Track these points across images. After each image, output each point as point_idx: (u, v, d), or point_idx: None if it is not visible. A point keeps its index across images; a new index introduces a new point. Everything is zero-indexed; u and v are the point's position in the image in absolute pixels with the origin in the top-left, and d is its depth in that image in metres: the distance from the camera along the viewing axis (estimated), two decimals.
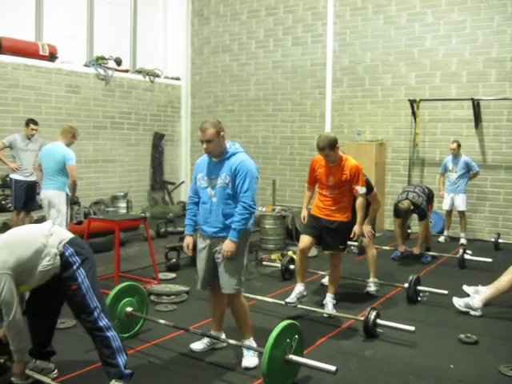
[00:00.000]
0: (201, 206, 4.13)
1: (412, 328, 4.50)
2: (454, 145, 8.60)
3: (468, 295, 5.41)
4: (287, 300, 5.31)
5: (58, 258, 3.40)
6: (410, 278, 5.67)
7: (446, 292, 5.50)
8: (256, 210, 4.15)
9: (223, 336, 4.32)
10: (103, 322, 3.44)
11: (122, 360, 3.44)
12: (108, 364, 3.44)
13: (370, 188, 5.77)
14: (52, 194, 6.59)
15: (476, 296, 5.27)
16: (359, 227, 5.21)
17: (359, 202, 5.12)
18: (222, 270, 4.00)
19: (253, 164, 4.01)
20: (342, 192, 5.10)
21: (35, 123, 7.97)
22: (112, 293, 4.34)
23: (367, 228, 5.83)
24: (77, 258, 3.46)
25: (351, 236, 5.22)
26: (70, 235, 3.58)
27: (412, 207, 7.29)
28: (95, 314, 3.42)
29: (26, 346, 3.47)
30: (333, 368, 3.52)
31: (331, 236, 5.15)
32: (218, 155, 4.01)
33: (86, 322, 3.44)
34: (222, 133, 3.97)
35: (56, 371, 3.73)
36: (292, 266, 6.50)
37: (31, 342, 3.67)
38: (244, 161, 3.97)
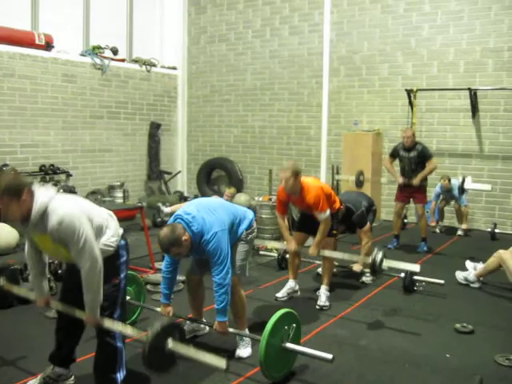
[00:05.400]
0: None
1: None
2: (448, 184, 8.58)
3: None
4: (277, 295, 5.35)
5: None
6: None
7: (442, 282, 5.51)
8: (230, 281, 3.73)
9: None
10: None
11: (120, 376, 3.26)
12: (104, 378, 3.23)
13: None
14: None
15: (472, 271, 5.93)
16: (315, 248, 5.05)
17: (322, 226, 4.96)
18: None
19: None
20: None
21: None
22: None
23: (362, 262, 5.72)
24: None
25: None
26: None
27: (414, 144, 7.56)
28: (115, 316, 3.24)
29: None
30: (329, 356, 3.53)
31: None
32: None
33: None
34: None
35: (73, 377, 3.48)
36: (288, 256, 6.51)
37: (56, 347, 3.42)
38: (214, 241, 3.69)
